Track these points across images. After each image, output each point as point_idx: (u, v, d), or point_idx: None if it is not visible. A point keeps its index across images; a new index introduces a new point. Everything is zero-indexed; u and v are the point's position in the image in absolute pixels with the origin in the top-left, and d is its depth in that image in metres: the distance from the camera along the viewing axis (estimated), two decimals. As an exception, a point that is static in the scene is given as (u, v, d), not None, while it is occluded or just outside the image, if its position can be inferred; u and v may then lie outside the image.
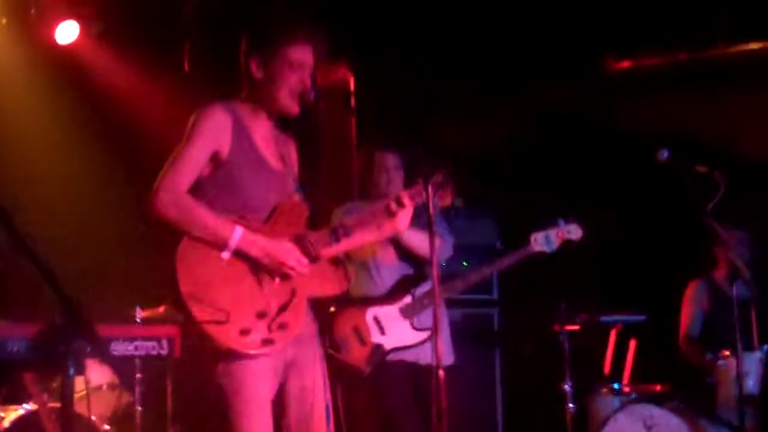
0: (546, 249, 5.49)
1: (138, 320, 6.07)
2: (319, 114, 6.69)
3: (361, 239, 4.16)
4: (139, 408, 5.94)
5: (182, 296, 3.55)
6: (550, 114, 7.26)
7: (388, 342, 5.33)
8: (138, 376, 5.84)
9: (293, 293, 3.79)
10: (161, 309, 5.83)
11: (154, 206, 3.64)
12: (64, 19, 6.90)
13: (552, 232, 5.51)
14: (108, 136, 7.21)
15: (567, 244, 5.56)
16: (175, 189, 3.66)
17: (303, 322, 3.82)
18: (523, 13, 7.03)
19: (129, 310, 6.09)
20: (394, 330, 5.34)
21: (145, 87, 7.20)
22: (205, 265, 3.64)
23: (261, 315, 3.68)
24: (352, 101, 5.21)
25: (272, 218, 3.84)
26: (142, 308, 6.05)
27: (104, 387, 6.01)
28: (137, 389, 5.87)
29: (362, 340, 5.31)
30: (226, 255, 3.67)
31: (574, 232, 5.55)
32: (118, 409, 6.08)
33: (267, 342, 3.67)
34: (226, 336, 3.58)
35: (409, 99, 7.23)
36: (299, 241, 3.84)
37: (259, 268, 3.74)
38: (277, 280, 3.77)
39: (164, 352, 3.32)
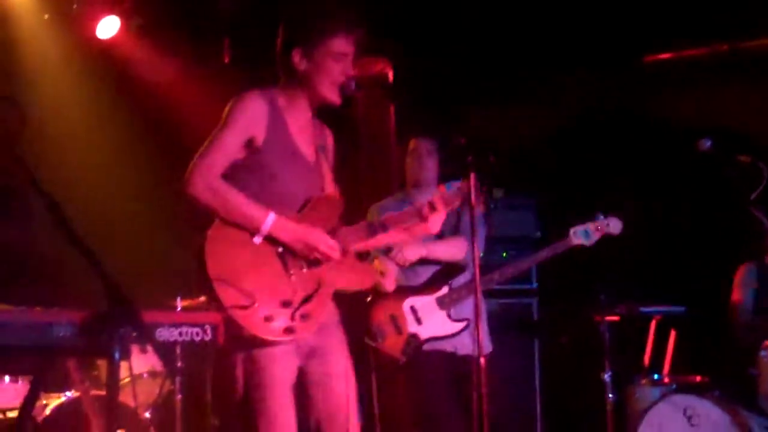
0: (585, 242, 5.48)
1: (178, 309, 6.13)
2: (359, 106, 6.72)
3: (391, 238, 4.19)
4: (179, 396, 6.01)
5: (210, 279, 3.59)
6: (590, 105, 7.23)
7: (424, 332, 5.34)
8: (179, 364, 5.89)
9: (319, 284, 3.81)
10: (202, 299, 5.89)
11: (188, 189, 3.70)
12: (105, 14, 6.98)
13: (591, 226, 5.50)
14: (149, 129, 7.28)
15: (606, 237, 5.54)
16: (209, 173, 3.71)
17: (327, 314, 3.85)
18: (563, 3, 7.00)
19: (169, 300, 6.16)
20: (431, 320, 5.36)
21: (185, 80, 7.26)
22: (235, 249, 3.68)
23: (285, 304, 3.70)
24: (392, 93, 5.19)
25: (305, 210, 3.87)
26: (183, 298, 6.11)
27: (145, 375, 6.07)
28: (177, 378, 5.93)
29: (399, 330, 5.33)
30: (257, 240, 3.72)
31: (613, 226, 5.53)
32: (158, 397, 6.14)
33: (288, 331, 3.69)
34: (250, 321, 3.62)
35: (449, 91, 7.23)
36: (331, 234, 3.86)
37: (288, 256, 3.77)
38: (305, 269, 3.79)
39: (208, 338, 3.34)
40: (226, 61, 7.13)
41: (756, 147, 5.84)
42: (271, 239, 3.73)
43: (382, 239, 4.11)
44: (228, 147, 3.76)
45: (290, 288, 3.74)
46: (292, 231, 3.75)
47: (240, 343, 3.66)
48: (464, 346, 5.33)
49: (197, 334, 3.30)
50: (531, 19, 7.07)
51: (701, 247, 6.96)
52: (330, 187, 4.03)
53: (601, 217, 5.54)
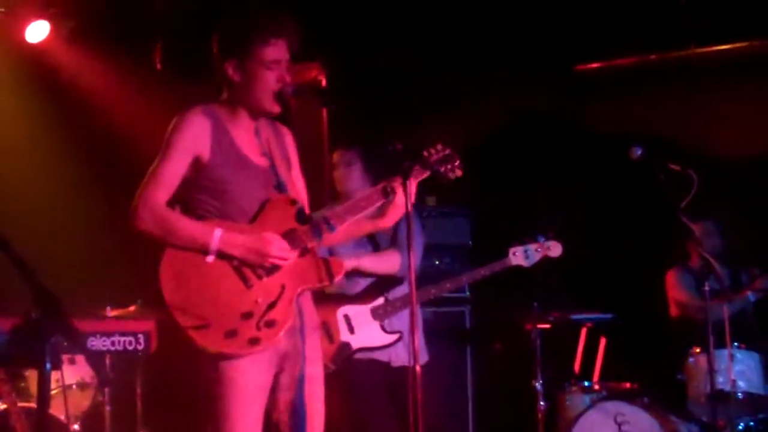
0: (524, 263, 5.53)
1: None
2: (293, 114, 6.66)
3: (352, 231, 4.15)
4: (108, 408, 5.92)
5: (167, 305, 3.61)
6: (523, 113, 7.28)
7: (356, 341, 5.33)
8: (110, 374, 5.79)
9: (282, 289, 3.79)
10: (131, 308, 5.80)
11: (136, 224, 3.70)
12: (35, 19, 6.83)
13: (532, 248, 5.54)
14: (79, 135, 7.18)
15: (545, 259, 5.59)
16: (153, 204, 3.70)
17: (293, 317, 3.79)
18: (494, 13, 7.04)
19: (99, 309, 6.07)
20: (364, 330, 5.34)
21: (116, 85, 7.17)
22: (190, 271, 3.68)
23: (246, 315, 3.68)
24: (325, 97, 5.16)
25: (261, 215, 3.83)
26: (113, 308, 6.02)
27: (74, 386, 5.96)
28: (107, 389, 5.83)
29: (330, 338, 5.31)
30: (210, 259, 3.70)
31: (554, 249, 5.58)
32: (87, 408, 6.03)
33: (253, 341, 3.67)
34: (211, 340, 3.62)
35: (382, 97, 7.24)
36: (287, 236, 3.83)
37: (244, 268, 3.75)
38: (265, 278, 3.77)
39: (140, 347, 3.30)
40: (158, 67, 7.03)
41: (685, 154, 5.94)
42: (223, 255, 3.71)
43: (339, 235, 4.06)
44: (171, 173, 3.75)
45: (251, 299, 3.72)
46: (240, 243, 3.73)
47: (206, 355, 3.66)
48: (399, 357, 5.33)
49: (129, 343, 3.29)
50: (463, 28, 7.10)
51: (631, 255, 7.03)
52: (294, 188, 3.99)
53: (542, 239, 5.58)
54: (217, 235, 3.69)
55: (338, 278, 3.93)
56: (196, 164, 3.77)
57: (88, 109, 7.17)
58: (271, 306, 3.74)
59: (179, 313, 3.61)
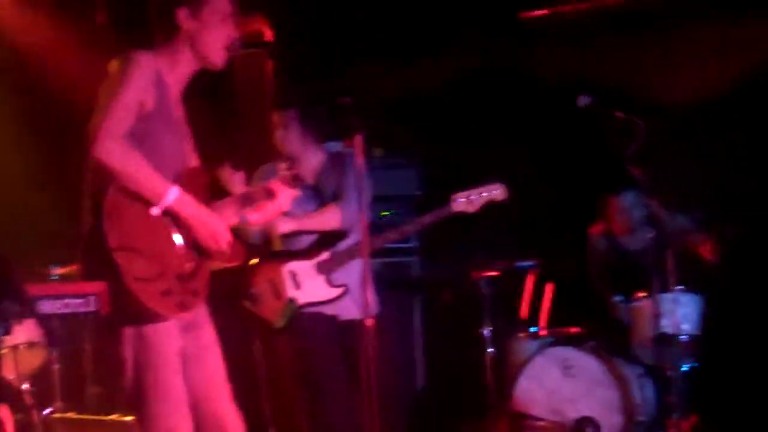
0: (468, 209, 5.38)
1: (55, 278, 5.99)
2: (236, 68, 6.59)
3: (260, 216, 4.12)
4: (57, 366, 5.89)
5: (109, 248, 3.44)
6: (469, 64, 7.25)
7: (303, 296, 5.31)
8: (58, 335, 5.75)
9: (200, 260, 3.75)
10: (76, 266, 5.74)
11: (96, 151, 3.48)
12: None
13: (474, 194, 5.39)
14: (18, 91, 7.03)
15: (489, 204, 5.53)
16: (116, 133, 3.51)
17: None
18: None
19: (43, 268, 6.01)
20: (309, 285, 5.32)
21: (57, 40, 7.02)
22: (133, 219, 3.54)
23: (180, 278, 3.63)
24: (270, 50, 5.10)
25: (179, 182, 3.70)
26: (57, 266, 5.97)
27: (23, 346, 5.91)
28: (56, 348, 5.79)
29: (277, 294, 5.30)
30: (155, 211, 3.59)
31: (497, 193, 5.39)
32: (37, 367, 5.99)
33: (182, 305, 3.63)
34: (149, 295, 3.51)
35: (326, 53, 7.17)
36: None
37: (182, 230, 3.68)
38: (192, 247, 3.71)
39: (92, 308, 3.26)
40: (98, 21, 6.89)
41: (634, 101, 5.97)
42: (169, 213, 3.62)
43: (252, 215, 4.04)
44: (129, 108, 3.57)
45: (182, 263, 3.67)
46: (195, 209, 3.67)
47: (130, 317, 3.55)
48: (347, 310, 5.32)
49: (81, 305, 3.23)
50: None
51: (579, 201, 7.07)
52: (194, 155, 3.96)
53: (486, 184, 5.50)
54: (173, 192, 3.59)
55: (241, 261, 3.95)
56: (140, 111, 3.62)
57: (26, 66, 7.02)
58: (193, 275, 3.70)
59: (123, 257, 3.44)
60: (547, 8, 7.32)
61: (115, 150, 3.50)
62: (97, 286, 3.33)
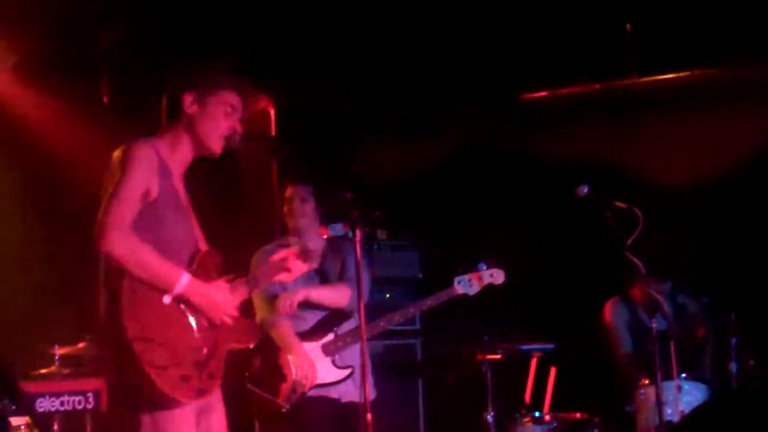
0: (469, 292, 5.56)
1: (56, 357, 5.96)
2: (241, 151, 6.64)
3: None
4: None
5: (128, 340, 3.49)
6: (471, 145, 7.31)
7: None
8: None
9: (216, 343, 3.77)
10: (81, 345, 5.72)
11: (104, 246, 3.56)
12: (-23, 53, 6.77)
13: (474, 277, 5.58)
14: (22, 170, 7.10)
15: (489, 287, 5.62)
16: (122, 227, 3.58)
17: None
18: (439, 43, 7.07)
19: (47, 348, 5.98)
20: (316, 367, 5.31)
21: (62, 119, 7.08)
22: (147, 308, 3.59)
23: (197, 363, 3.66)
24: (274, 146, 5.20)
25: (194, 266, 3.79)
26: (60, 346, 5.94)
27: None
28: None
29: (283, 377, 5.29)
30: (166, 299, 3.63)
31: (496, 276, 5.62)
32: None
33: (201, 391, 3.66)
34: (168, 382, 3.54)
35: (329, 131, 7.24)
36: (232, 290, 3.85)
37: (195, 315, 3.71)
38: (207, 330, 3.74)
39: (90, 406, 3.25)
40: (105, 101, 6.97)
41: (630, 183, 5.99)
42: (180, 299, 3.66)
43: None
44: (134, 198, 3.65)
45: (198, 348, 3.70)
46: (204, 294, 3.71)
47: (148, 404, 3.58)
48: (348, 393, 5.32)
49: (79, 402, 3.23)
50: (409, 60, 7.12)
51: (581, 285, 7.07)
52: (201, 236, 3.99)
53: (484, 267, 5.62)
54: (185, 279, 3.64)
55: (257, 341, 4.05)
56: (145, 198, 3.70)
57: (31, 145, 7.08)
58: (209, 358, 3.72)
59: (141, 346, 3.49)
60: (547, 90, 7.38)
61: (122, 242, 3.56)
62: (96, 383, 3.32)
